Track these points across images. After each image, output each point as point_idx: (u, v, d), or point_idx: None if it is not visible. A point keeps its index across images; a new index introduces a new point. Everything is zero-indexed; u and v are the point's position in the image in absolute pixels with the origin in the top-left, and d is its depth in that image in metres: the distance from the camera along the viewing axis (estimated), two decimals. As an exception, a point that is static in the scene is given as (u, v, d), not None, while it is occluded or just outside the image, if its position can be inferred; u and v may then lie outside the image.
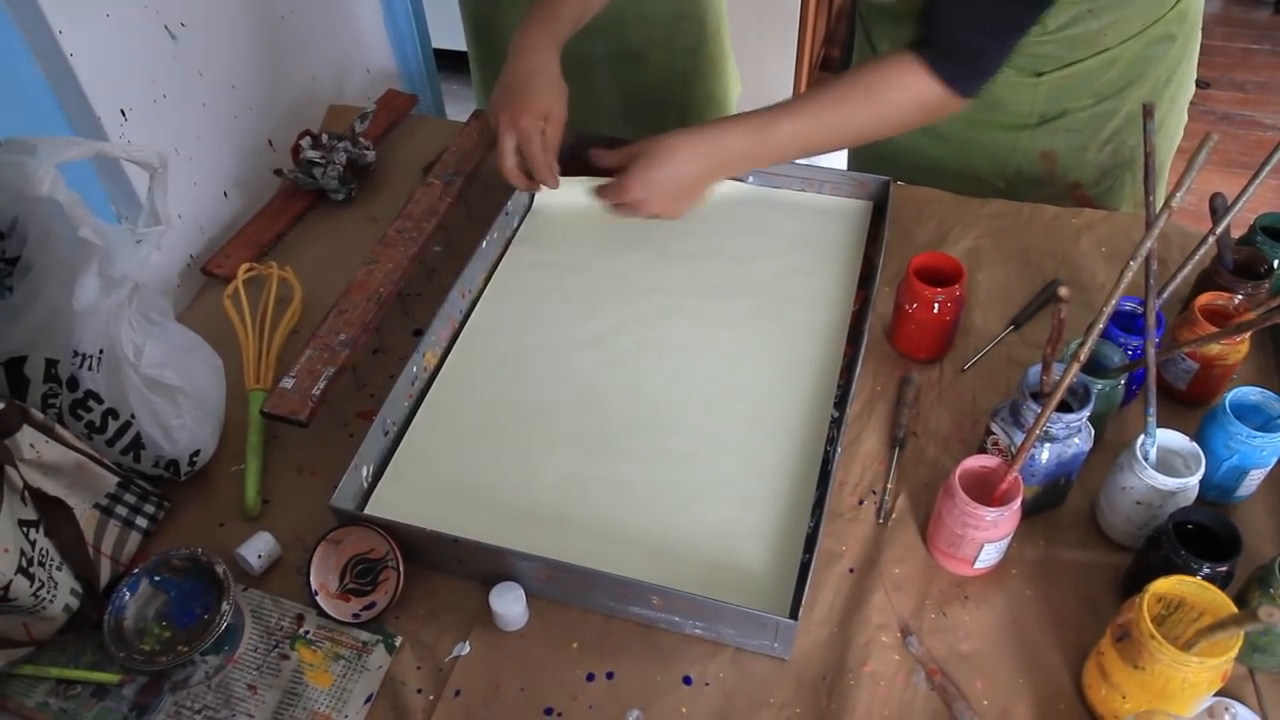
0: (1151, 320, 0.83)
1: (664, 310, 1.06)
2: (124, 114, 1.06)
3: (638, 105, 1.46)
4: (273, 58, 1.28)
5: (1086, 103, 1.15)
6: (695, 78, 1.46)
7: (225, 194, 1.24)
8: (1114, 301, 0.74)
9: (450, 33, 2.60)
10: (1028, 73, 1.13)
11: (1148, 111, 0.79)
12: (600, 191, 1.01)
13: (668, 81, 1.45)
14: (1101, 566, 0.85)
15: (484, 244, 1.06)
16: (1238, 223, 0.92)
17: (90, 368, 0.86)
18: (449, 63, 2.42)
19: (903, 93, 0.96)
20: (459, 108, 2.65)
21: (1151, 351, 0.82)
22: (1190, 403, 0.98)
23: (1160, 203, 0.76)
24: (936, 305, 0.97)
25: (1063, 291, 0.72)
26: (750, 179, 1.20)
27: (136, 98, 1.07)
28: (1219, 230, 0.95)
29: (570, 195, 1.09)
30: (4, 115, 0.95)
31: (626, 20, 1.36)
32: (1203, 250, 0.96)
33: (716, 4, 1.44)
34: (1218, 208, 0.97)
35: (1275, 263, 1.01)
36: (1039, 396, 0.81)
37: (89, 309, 0.84)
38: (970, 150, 1.23)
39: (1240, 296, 0.96)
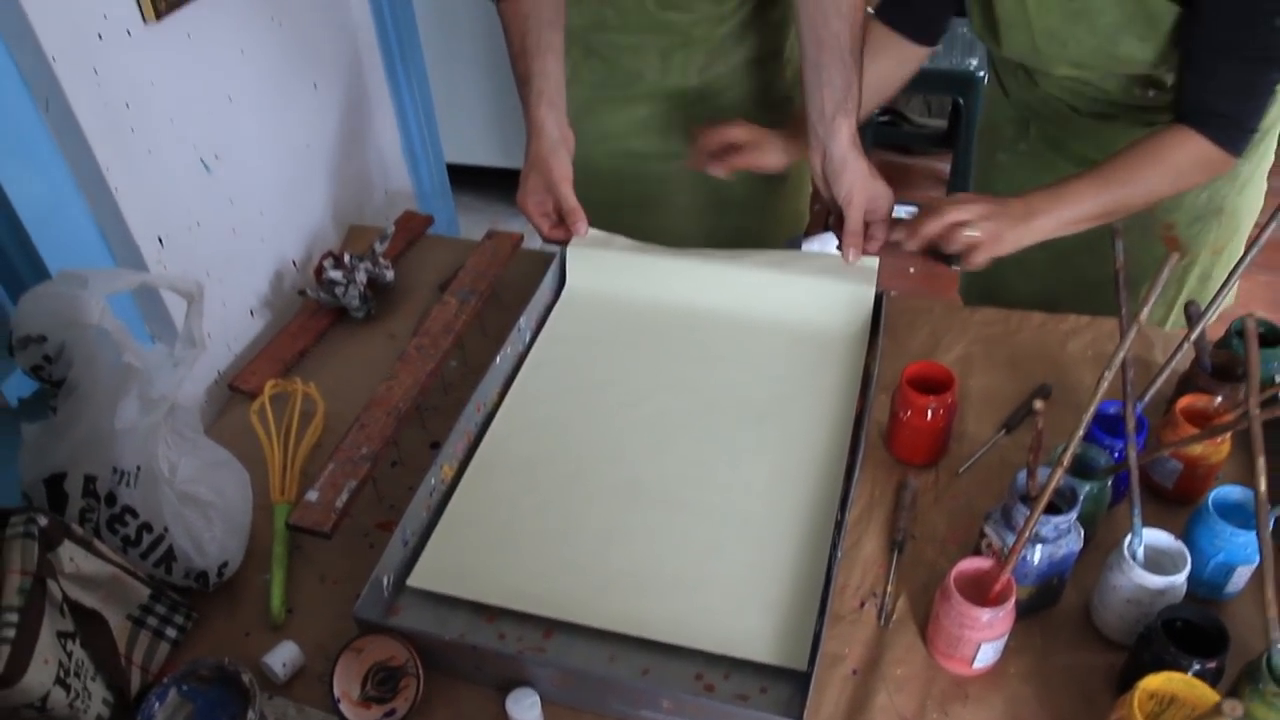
0: (1131, 425, 0.87)
1: (671, 419, 1.10)
2: (160, 241, 1.13)
3: (720, 213, 1.54)
4: (298, 183, 1.36)
5: None
6: (779, 184, 1.52)
7: (251, 313, 1.30)
8: (1092, 409, 0.79)
9: (464, 148, 2.74)
10: (1141, 125, 1.24)
11: (1116, 232, 0.85)
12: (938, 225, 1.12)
13: (750, 184, 1.49)
14: (1098, 664, 0.88)
15: (498, 359, 1.12)
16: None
17: (128, 484, 0.91)
18: (463, 177, 2.53)
19: (1188, 158, 1.09)
20: (471, 219, 2.75)
21: (1133, 455, 0.87)
22: (1179, 501, 1.01)
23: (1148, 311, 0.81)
24: (930, 412, 1.02)
25: (1038, 405, 0.77)
26: (748, 287, 1.25)
27: (173, 226, 1.15)
28: (1193, 336, 1.01)
29: (583, 315, 1.16)
30: (51, 241, 1.03)
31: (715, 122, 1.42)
32: (1180, 355, 1.01)
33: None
34: (1192, 314, 1.03)
35: (1253, 366, 1.07)
36: (1028, 499, 0.85)
37: (129, 428, 0.90)
38: None
39: (1220, 398, 1.01)
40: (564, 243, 1.27)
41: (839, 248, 1.21)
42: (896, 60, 1.33)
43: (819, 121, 1.18)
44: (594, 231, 1.26)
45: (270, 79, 1.26)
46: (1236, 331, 1.10)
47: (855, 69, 1.17)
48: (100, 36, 1.00)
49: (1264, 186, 1.35)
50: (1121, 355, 0.79)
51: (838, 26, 1.15)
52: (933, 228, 1.12)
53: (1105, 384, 0.79)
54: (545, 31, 1.24)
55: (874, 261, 1.22)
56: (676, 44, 1.44)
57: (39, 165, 1.00)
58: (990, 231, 1.11)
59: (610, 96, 1.45)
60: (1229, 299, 1.53)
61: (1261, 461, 0.75)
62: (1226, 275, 1.03)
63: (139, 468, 0.91)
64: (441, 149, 1.72)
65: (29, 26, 0.93)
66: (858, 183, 1.18)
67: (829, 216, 1.25)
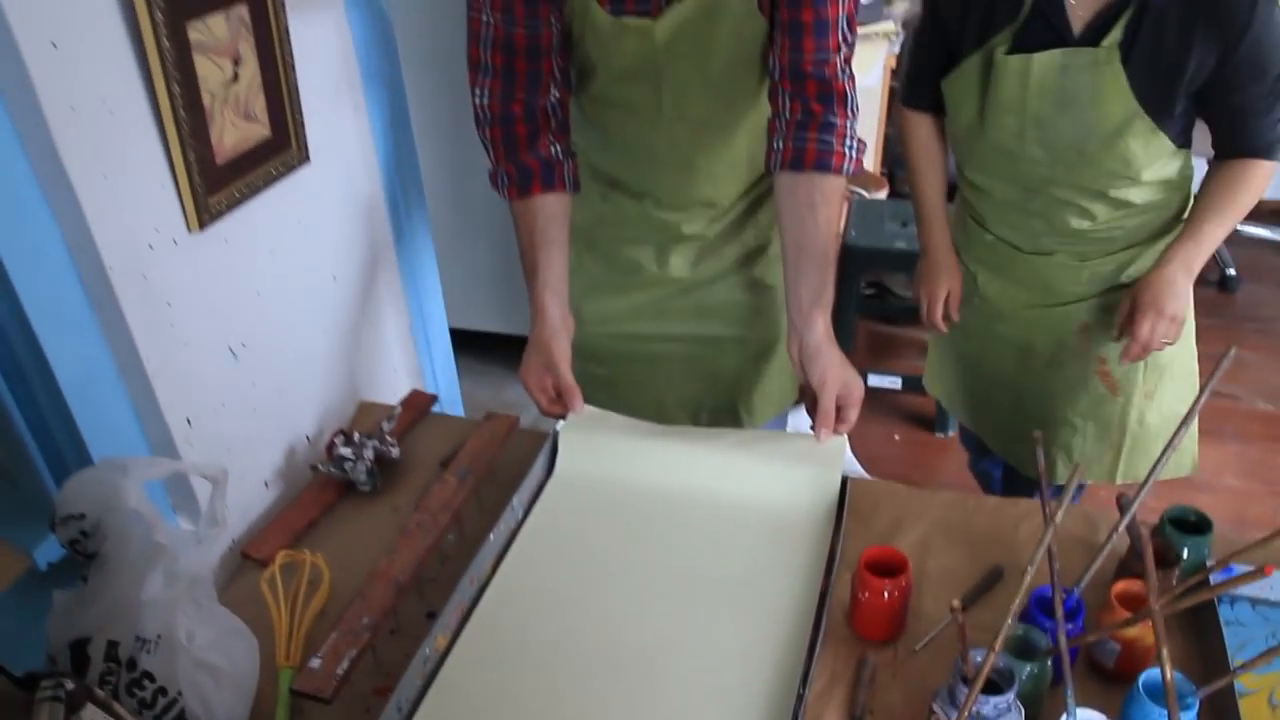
0: (1059, 611, 0.96)
1: (650, 595, 1.19)
2: (189, 422, 1.25)
3: (712, 388, 1.66)
4: (314, 366, 1.48)
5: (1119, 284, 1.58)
6: (764, 366, 1.65)
7: (266, 484, 1.41)
8: (1018, 599, 0.88)
9: (470, 315, 2.89)
10: (1075, 258, 1.56)
11: (1037, 439, 0.96)
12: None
13: (739, 367, 1.64)
14: (1040, 839, 0.94)
15: (491, 536, 1.22)
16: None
17: (149, 651, 1.00)
18: (468, 341, 2.68)
19: (1263, 178, 1.45)
20: (475, 382, 2.87)
21: (1063, 639, 0.95)
22: (1120, 679, 1.09)
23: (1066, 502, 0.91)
24: (886, 593, 1.11)
25: (955, 604, 0.86)
26: (723, 470, 1.36)
27: (200, 407, 1.26)
28: (1121, 526, 1.11)
29: (572, 495, 1.28)
30: (90, 420, 1.14)
31: (709, 310, 1.61)
32: (1111, 543, 1.11)
33: None
34: (1124, 505, 1.13)
35: (1184, 551, 1.16)
36: (967, 680, 0.94)
37: (153, 600, 0.99)
38: (1029, 325, 1.64)
39: (1155, 583, 1.10)
40: (561, 417, 1.38)
41: (812, 428, 1.33)
42: (932, 135, 1.67)
43: (796, 315, 1.34)
44: (589, 408, 1.38)
45: (294, 274, 1.40)
46: (1170, 519, 1.20)
47: (830, 270, 1.33)
48: (151, 247, 1.14)
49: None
50: (1040, 553, 0.88)
51: (814, 235, 1.32)
52: (1148, 333, 1.48)
53: (1029, 575, 0.89)
54: (552, 228, 1.40)
55: (842, 441, 1.33)
56: (671, 241, 1.59)
57: (88, 356, 1.12)
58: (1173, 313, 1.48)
59: (610, 284, 1.59)
60: (1188, 465, 1.66)
61: (1165, 652, 0.83)
62: (1171, 434, 1.12)
63: (159, 636, 1.00)
64: (449, 335, 1.86)
65: (91, 239, 1.07)
66: (830, 370, 1.31)
67: (804, 401, 1.37)
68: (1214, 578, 1.11)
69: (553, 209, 1.40)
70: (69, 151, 1.02)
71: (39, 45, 0.96)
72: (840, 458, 1.32)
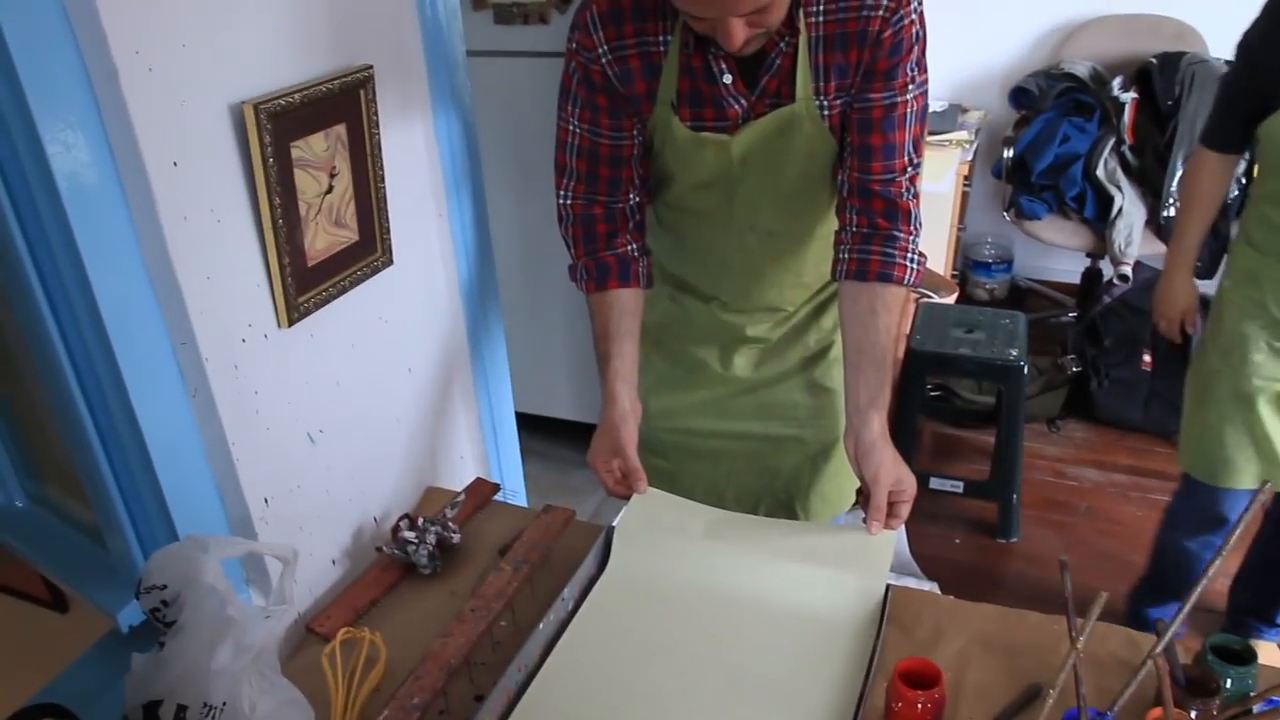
0: (1084, 736, 0.98)
1: (693, 692, 1.23)
2: (266, 501, 1.34)
3: (770, 486, 1.72)
4: (385, 452, 1.57)
5: None
6: (823, 465, 1.70)
7: (333, 562, 1.49)
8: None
9: (539, 401, 2.98)
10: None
11: (1063, 565, 0.99)
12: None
13: (797, 467, 1.70)
14: None
15: (541, 625, 1.27)
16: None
17: (214, 718, 1.07)
18: (536, 425, 2.76)
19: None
20: (540, 466, 2.94)
21: (1086, 763, 0.97)
22: (1156, 808, 1.09)
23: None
24: (919, 705, 1.13)
25: None
26: (771, 573, 1.40)
27: (278, 488, 1.35)
28: (1156, 651, 1.11)
29: (621, 591, 1.35)
30: (176, 496, 1.23)
31: (770, 411, 1.67)
32: (1145, 670, 1.12)
33: None
34: (1158, 630, 1.14)
35: (1226, 681, 1.16)
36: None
37: (222, 669, 1.06)
38: None
39: (1194, 713, 1.10)
40: (626, 498, 1.45)
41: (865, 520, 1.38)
42: (1220, 175, 1.98)
43: (854, 412, 1.40)
44: (652, 490, 1.46)
45: (372, 367, 1.50)
46: (1211, 647, 1.20)
47: (887, 372, 1.40)
48: (244, 340, 1.24)
49: None
50: (1064, 675, 0.91)
51: (874, 339, 1.40)
52: None
53: (1053, 697, 0.91)
54: (625, 320, 1.49)
55: (892, 536, 1.38)
56: (736, 342, 1.66)
57: (179, 436, 1.22)
58: None
59: (675, 381, 1.66)
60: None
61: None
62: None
63: (224, 704, 1.07)
64: (515, 426, 1.94)
65: (191, 331, 1.18)
66: (884, 466, 1.37)
67: (858, 495, 1.43)
68: (1257, 709, 1.11)
69: (626, 303, 1.49)
70: (179, 255, 1.13)
71: (163, 164, 1.09)
72: (889, 552, 1.36)
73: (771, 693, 1.23)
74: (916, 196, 1.43)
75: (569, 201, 1.50)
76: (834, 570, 1.36)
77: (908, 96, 1.36)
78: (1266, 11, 1.76)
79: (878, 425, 1.38)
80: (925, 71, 1.37)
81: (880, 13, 1.30)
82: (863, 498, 1.40)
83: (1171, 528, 2.25)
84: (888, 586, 1.35)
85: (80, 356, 1.13)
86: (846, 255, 1.43)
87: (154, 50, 1.06)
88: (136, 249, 1.10)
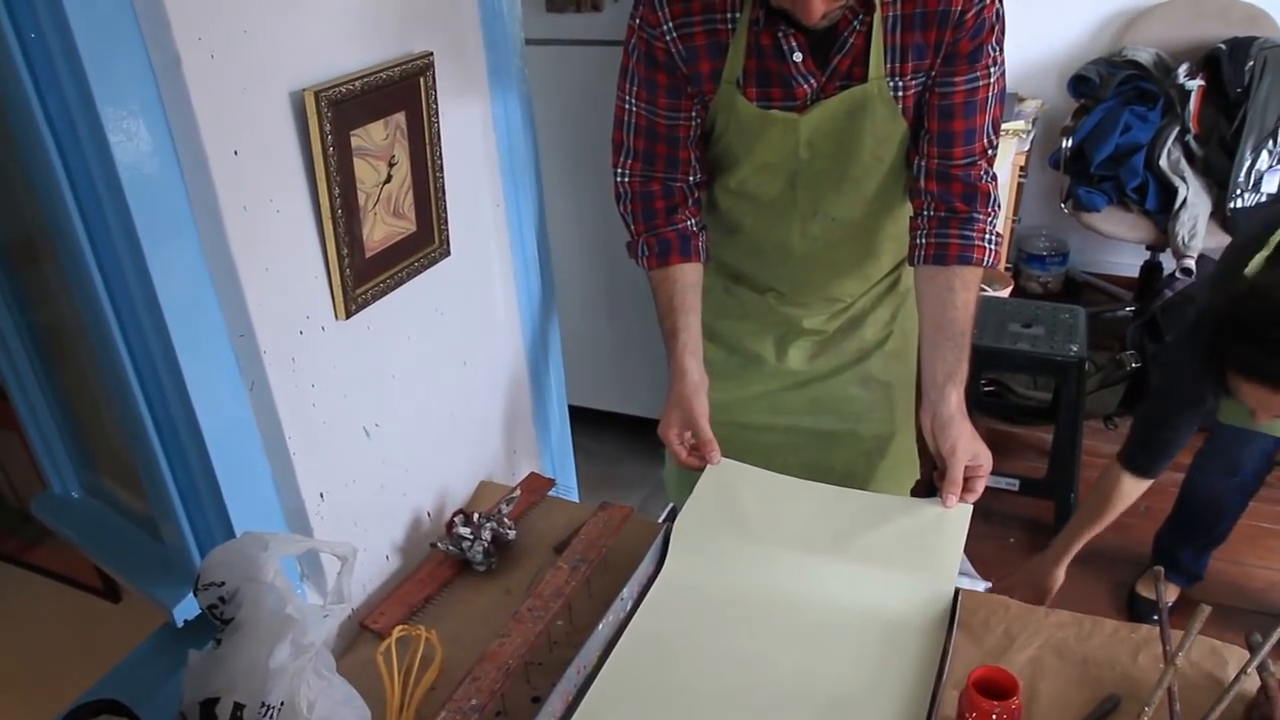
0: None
1: (754, 700, 1.19)
2: (321, 496, 1.32)
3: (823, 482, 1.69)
4: (440, 446, 1.55)
5: None
6: (878, 461, 1.68)
7: (387, 557, 1.47)
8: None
9: (588, 393, 2.96)
10: None
11: (1156, 575, 0.94)
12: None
13: (851, 462, 1.67)
14: None
15: (600, 626, 1.24)
16: None
17: (271, 716, 1.05)
18: (584, 418, 2.74)
19: None
20: (590, 460, 2.90)
21: (1179, 785, 0.92)
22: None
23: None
24: (995, 717, 1.09)
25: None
26: (832, 575, 1.36)
27: (333, 483, 1.34)
28: (1252, 667, 1.07)
29: (679, 592, 1.31)
30: (233, 490, 1.21)
31: (824, 405, 1.64)
32: (1239, 685, 1.07)
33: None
34: (1254, 644, 1.09)
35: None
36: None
37: (280, 668, 1.04)
38: None
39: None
40: (699, 468, 1.44)
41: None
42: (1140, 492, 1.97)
43: (931, 387, 1.40)
44: (725, 460, 1.44)
45: (428, 359, 1.48)
46: (1303, 660, 1.15)
47: (964, 348, 1.39)
48: (301, 333, 1.23)
49: None
50: (1160, 693, 0.86)
51: (952, 315, 1.39)
52: None
53: (1147, 717, 0.87)
54: (690, 294, 1.48)
55: (967, 510, 1.36)
56: (791, 334, 1.62)
57: (237, 429, 1.20)
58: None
59: (728, 375, 1.63)
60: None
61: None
62: None
63: (282, 703, 1.05)
64: (569, 421, 1.91)
65: (250, 323, 1.16)
66: (961, 439, 1.36)
67: (933, 471, 1.42)
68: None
69: (689, 278, 1.48)
70: (238, 246, 1.11)
71: (224, 153, 1.07)
72: (963, 529, 1.34)
73: (836, 701, 1.19)
74: (995, 178, 1.41)
75: (627, 179, 1.49)
76: (901, 573, 1.32)
77: (990, 80, 1.33)
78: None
79: (955, 400, 1.38)
80: (1003, 52, 1.33)
81: None
82: (937, 473, 1.40)
83: (1199, 469, 2.29)
84: (957, 590, 1.30)
85: (138, 347, 1.12)
86: (925, 240, 1.41)
87: (216, 37, 1.04)
88: (196, 239, 1.08)
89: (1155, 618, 1.14)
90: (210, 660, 1.09)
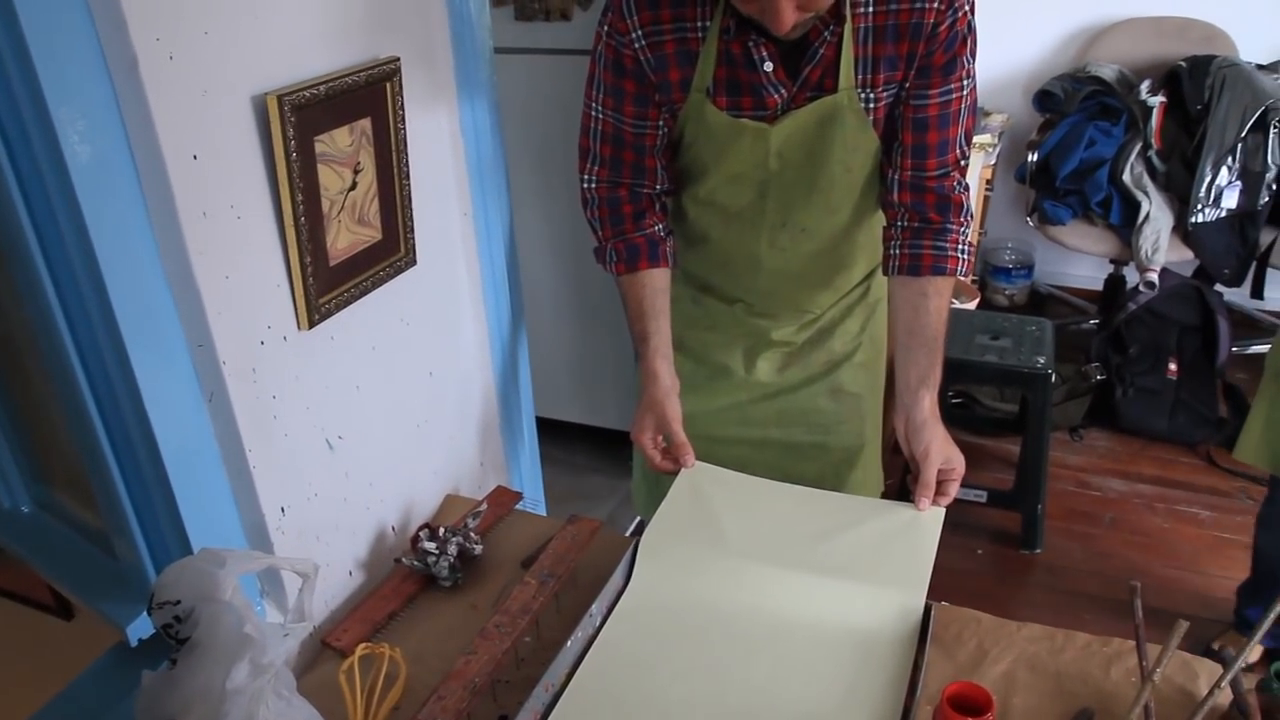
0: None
1: (723, 716, 1.17)
2: (282, 510, 1.28)
3: None
4: (406, 458, 1.52)
5: None
6: (846, 473, 1.67)
7: (350, 573, 1.43)
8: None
9: (554, 405, 2.93)
10: None
11: (1133, 590, 0.93)
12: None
13: (819, 474, 1.66)
14: None
15: (569, 642, 1.21)
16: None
17: (228, 741, 1.01)
18: (552, 430, 2.72)
19: None
20: (557, 471, 2.88)
21: (1156, 802, 0.91)
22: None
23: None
24: (969, 732, 1.08)
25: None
26: (802, 589, 1.34)
27: (294, 496, 1.30)
28: (1224, 681, 1.06)
29: (648, 607, 1.28)
30: (190, 504, 1.18)
31: (793, 417, 1.63)
32: (1213, 699, 1.06)
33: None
34: (1226, 658, 1.09)
35: (1291, 710, 1.10)
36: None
37: (238, 689, 1.01)
38: None
39: (1259, 744, 1.05)
40: (673, 472, 1.44)
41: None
42: None
43: (905, 391, 1.40)
44: (699, 464, 1.44)
45: (393, 370, 1.45)
46: (1276, 673, 1.15)
47: (938, 354, 1.40)
48: (262, 343, 1.19)
49: None
50: (1136, 710, 0.85)
51: (925, 320, 1.39)
52: None
53: (1123, 733, 0.86)
54: (659, 297, 1.47)
55: (940, 513, 1.36)
56: (760, 346, 1.61)
57: (194, 442, 1.17)
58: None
59: (696, 386, 1.61)
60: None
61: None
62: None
63: (241, 726, 1.02)
64: (535, 431, 1.89)
65: (209, 333, 1.13)
66: (934, 443, 1.36)
67: (905, 475, 1.39)
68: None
69: (658, 282, 1.48)
70: (197, 253, 1.08)
71: (182, 158, 1.04)
72: (935, 534, 1.33)
73: (805, 717, 1.17)
74: (967, 189, 1.41)
75: (593, 185, 1.48)
76: (872, 585, 1.31)
77: (963, 92, 1.33)
78: None
79: (928, 404, 1.38)
80: (975, 63, 1.34)
81: (935, 4, 1.26)
82: (911, 476, 1.39)
83: (1266, 529, 2.21)
84: (929, 605, 1.29)
85: (92, 357, 1.08)
86: (898, 251, 1.42)
87: (176, 38, 1.01)
88: (154, 246, 1.04)
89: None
90: (165, 681, 1.05)
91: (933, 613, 1.28)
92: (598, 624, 1.29)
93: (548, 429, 2.25)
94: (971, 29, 1.31)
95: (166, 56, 1.00)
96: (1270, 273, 3.24)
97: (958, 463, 1.38)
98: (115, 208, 1.00)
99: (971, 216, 1.43)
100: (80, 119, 0.95)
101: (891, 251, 1.43)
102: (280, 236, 1.18)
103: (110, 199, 0.99)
